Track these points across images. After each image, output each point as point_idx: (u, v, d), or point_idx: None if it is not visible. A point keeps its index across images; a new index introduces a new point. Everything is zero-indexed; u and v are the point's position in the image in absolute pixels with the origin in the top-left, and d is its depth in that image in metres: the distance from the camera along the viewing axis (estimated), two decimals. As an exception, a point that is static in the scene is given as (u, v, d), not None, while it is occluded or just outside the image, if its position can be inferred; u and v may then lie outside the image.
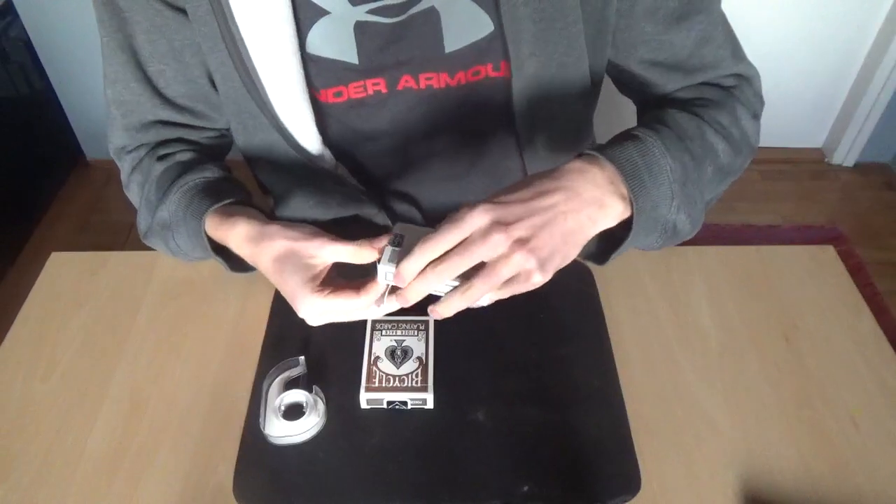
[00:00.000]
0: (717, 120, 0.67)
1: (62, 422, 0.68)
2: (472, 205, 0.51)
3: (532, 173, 0.57)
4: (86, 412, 0.69)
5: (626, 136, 0.60)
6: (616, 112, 0.81)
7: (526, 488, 0.61)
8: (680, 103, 0.69)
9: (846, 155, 2.18)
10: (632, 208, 0.56)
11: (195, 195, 0.67)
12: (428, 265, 0.52)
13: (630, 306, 0.77)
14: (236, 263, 0.68)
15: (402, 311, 0.61)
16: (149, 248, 0.76)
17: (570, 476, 0.62)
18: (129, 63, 0.68)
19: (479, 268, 0.51)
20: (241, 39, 0.63)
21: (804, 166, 2.22)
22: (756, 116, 0.72)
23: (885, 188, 2.14)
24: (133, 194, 0.75)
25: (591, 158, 0.57)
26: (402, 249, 0.54)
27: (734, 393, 0.69)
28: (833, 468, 0.64)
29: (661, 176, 0.57)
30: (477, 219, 0.51)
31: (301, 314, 0.58)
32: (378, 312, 0.58)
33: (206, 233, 0.65)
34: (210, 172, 0.70)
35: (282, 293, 0.59)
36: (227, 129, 0.77)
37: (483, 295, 0.52)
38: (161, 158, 0.72)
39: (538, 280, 0.52)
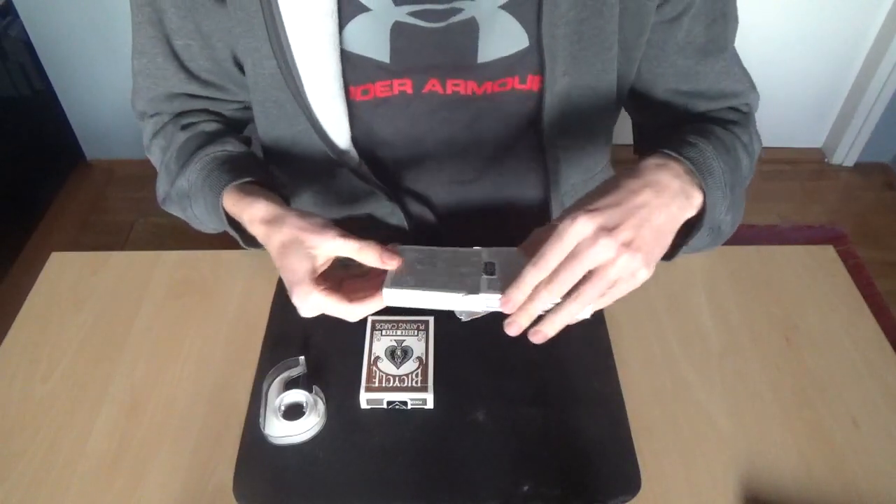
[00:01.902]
0: (741, 138, 0.69)
1: (62, 422, 0.68)
2: (572, 216, 0.51)
3: (617, 174, 0.57)
4: (86, 412, 0.69)
5: (679, 142, 0.61)
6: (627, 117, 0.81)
7: (526, 488, 0.61)
8: (708, 119, 0.71)
9: (846, 155, 2.18)
10: (704, 201, 0.57)
11: (214, 168, 0.67)
12: (539, 285, 0.52)
13: (630, 306, 0.77)
14: (250, 238, 0.68)
15: (401, 311, 0.61)
16: (149, 248, 0.76)
17: (570, 476, 0.62)
18: (156, 38, 0.68)
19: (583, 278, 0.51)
20: (283, 26, 0.63)
21: (804, 166, 2.21)
22: (760, 142, 0.74)
23: (885, 188, 2.14)
24: (154, 157, 0.76)
25: (664, 155, 0.58)
26: (497, 277, 0.56)
27: (734, 393, 0.69)
28: (833, 468, 0.64)
29: (714, 178, 0.59)
30: (580, 229, 0.51)
31: (294, 302, 0.59)
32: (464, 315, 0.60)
33: (223, 207, 0.65)
34: (231, 146, 0.70)
35: (282, 278, 0.60)
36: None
37: (592, 301, 0.52)
38: (184, 127, 0.73)
39: (643, 276, 0.53)
